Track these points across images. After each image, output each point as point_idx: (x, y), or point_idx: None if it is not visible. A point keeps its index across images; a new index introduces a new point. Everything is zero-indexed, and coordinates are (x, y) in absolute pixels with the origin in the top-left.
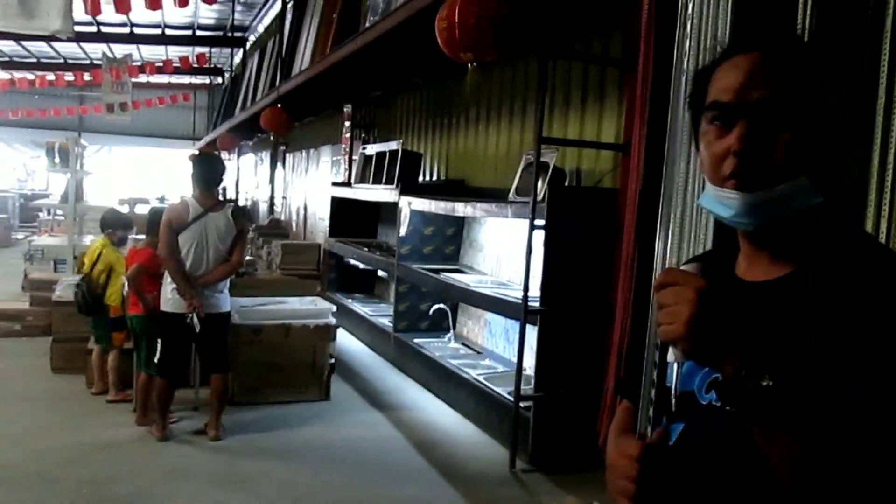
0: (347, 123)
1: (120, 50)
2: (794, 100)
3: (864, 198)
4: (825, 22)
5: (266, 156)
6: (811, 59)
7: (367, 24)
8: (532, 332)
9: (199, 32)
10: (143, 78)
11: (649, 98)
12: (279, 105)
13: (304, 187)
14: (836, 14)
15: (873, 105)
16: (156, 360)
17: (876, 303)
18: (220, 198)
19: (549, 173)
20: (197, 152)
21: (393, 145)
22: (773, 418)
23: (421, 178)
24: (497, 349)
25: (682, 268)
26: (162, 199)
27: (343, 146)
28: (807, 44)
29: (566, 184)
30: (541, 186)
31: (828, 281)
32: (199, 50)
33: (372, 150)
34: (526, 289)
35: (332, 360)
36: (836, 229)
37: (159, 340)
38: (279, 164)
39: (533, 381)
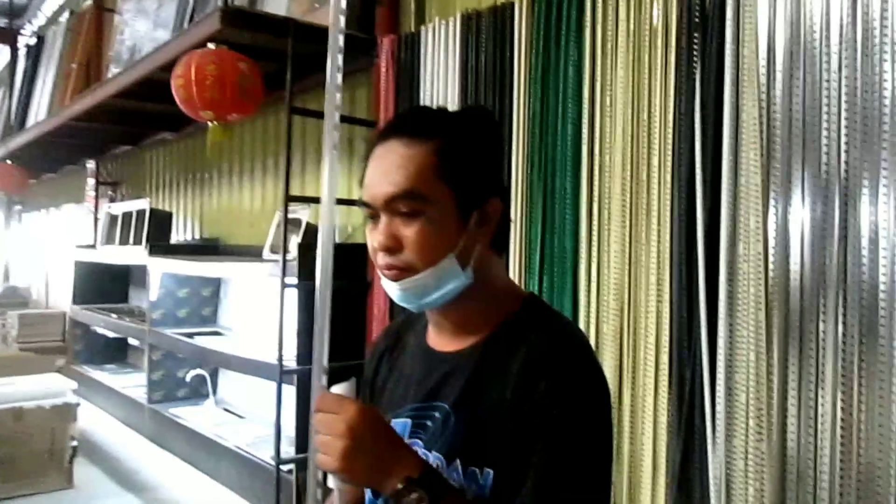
0: (91, 181)
1: None
2: (417, 190)
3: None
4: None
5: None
6: (455, 139)
7: (109, 76)
8: (291, 393)
9: None
10: None
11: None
12: (10, 161)
13: (46, 250)
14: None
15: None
16: None
17: (536, 383)
18: None
19: (302, 230)
20: None
21: (141, 204)
22: None
23: (174, 238)
24: (260, 412)
25: (336, 390)
26: None
27: (88, 205)
28: (455, 121)
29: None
30: (292, 244)
31: (504, 353)
32: None
33: (118, 209)
34: (280, 348)
35: (75, 443)
36: (513, 299)
37: None
38: (15, 226)
39: (294, 443)
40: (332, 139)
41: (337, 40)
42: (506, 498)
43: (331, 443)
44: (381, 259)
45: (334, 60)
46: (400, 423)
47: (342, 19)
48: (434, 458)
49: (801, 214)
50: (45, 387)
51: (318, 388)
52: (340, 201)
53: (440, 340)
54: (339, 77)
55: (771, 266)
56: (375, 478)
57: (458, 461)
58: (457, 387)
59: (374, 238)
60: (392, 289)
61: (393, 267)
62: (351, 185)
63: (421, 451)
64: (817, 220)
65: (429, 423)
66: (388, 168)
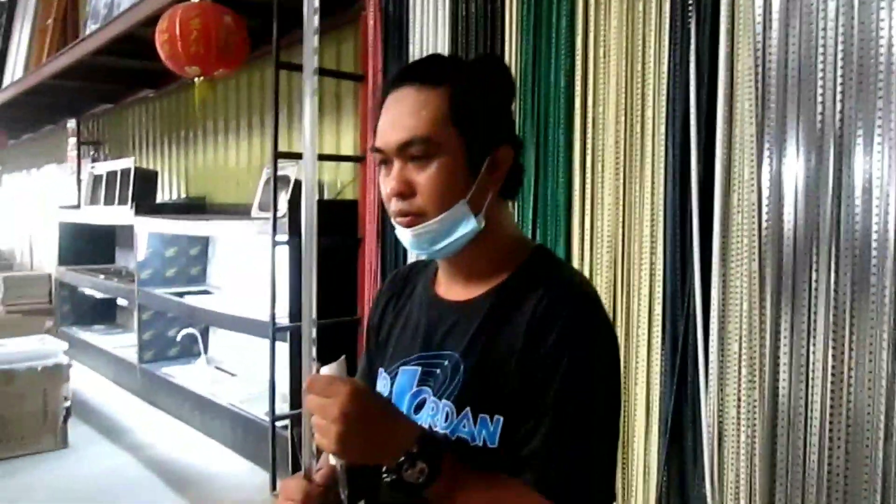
0: (73, 140)
1: None
2: (429, 135)
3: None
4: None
5: None
6: (467, 85)
7: (87, 32)
8: (284, 350)
9: None
10: None
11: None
12: None
13: (28, 212)
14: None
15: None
16: None
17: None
18: None
19: (291, 187)
20: None
21: (126, 163)
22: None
23: (160, 197)
24: (252, 370)
25: (326, 370)
26: None
27: (70, 165)
28: (467, 69)
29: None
30: (282, 201)
31: (513, 303)
32: None
33: (102, 168)
34: (273, 306)
35: (68, 404)
36: (522, 249)
37: None
38: None
39: (288, 400)
40: (311, 84)
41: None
42: (515, 445)
43: (325, 426)
44: (393, 205)
45: (311, 5)
46: (409, 371)
47: None
48: (444, 405)
49: (795, 165)
50: (36, 348)
51: (308, 341)
52: (329, 157)
53: (449, 289)
54: (316, 20)
55: (765, 217)
56: (373, 456)
57: (467, 408)
58: (466, 336)
59: (386, 184)
60: (405, 235)
61: (405, 213)
62: (340, 140)
63: (430, 399)
64: (811, 170)
65: (438, 371)
66: (400, 114)
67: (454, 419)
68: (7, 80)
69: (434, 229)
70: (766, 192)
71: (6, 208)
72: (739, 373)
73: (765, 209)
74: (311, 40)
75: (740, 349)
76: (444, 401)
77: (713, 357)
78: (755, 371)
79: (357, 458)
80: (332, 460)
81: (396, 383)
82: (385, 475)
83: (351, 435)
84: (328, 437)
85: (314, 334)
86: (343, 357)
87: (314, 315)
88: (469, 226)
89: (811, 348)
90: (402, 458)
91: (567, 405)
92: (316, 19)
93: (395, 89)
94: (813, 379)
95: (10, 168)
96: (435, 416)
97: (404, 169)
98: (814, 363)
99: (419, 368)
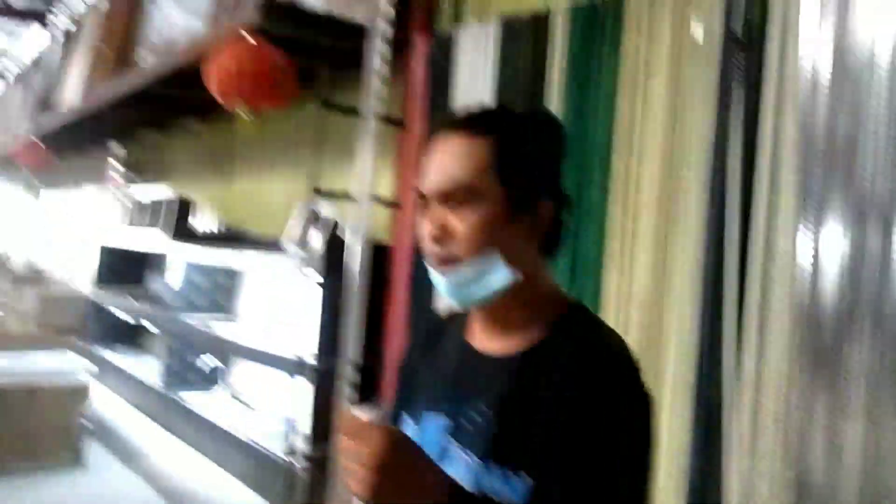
0: (116, 164)
1: None
2: (469, 183)
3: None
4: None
5: (24, 194)
6: (513, 136)
7: (141, 62)
8: (306, 387)
9: None
10: None
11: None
12: (39, 140)
13: (68, 231)
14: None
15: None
16: None
17: (581, 397)
18: None
19: (325, 225)
20: None
21: (165, 190)
22: None
23: (195, 225)
24: (271, 403)
25: (360, 413)
26: None
27: (111, 188)
28: (516, 121)
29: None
30: (316, 239)
31: (548, 365)
32: None
33: (142, 193)
34: (299, 342)
35: (87, 423)
36: (559, 305)
37: None
38: (38, 205)
39: (307, 438)
40: (370, 135)
41: (378, 44)
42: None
43: (358, 473)
44: (430, 249)
45: (373, 62)
46: (436, 420)
47: (384, 25)
48: (469, 458)
49: (836, 238)
50: (60, 365)
51: (346, 386)
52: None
53: (482, 340)
54: (380, 83)
55: (802, 289)
56: (404, 501)
57: (493, 464)
58: (497, 389)
59: (425, 228)
60: (438, 280)
61: (440, 257)
62: (376, 184)
63: (457, 451)
64: (853, 244)
65: (465, 423)
66: (445, 160)
67: (480, 473)
68: (61, 102)
69: (467, 276)
70: (804, 265)
71: (47, 226)
72: (771, 448)
73: (803, 281)
74: (373, 100)
75: (772, 423)
76: (470, 454)
77: (745, 431)
78: (788, 448)
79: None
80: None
81: (423, 431)
82: None
83: (384, 483)
84: (361, 483)
85: (354, 376)
86: (378, 400)
87: (356, 357)
88: (503, 276)
89: (846, 428)
90: None
91: (597, 470)
92: (376, 60)
93: (443, 136)
94: (847, 460)
95: (54, 187)
96: (459, 468)
97: (444, 214)
98: (849, 444)
99: (447, 417)
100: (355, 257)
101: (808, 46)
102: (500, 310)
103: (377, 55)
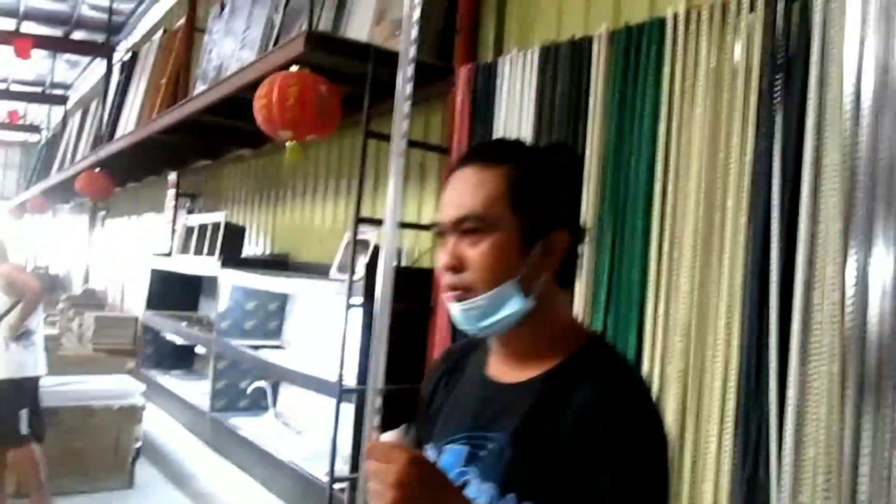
0: (172, 192)
1: None
2: (483, 213)
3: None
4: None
5: (84, 221)
6: (527, 167)
7: (195, 92)
8: (350, 411)
9: (13, 87)
10: None
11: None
12: (99, 169)
13: (124, 256)
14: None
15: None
16: None
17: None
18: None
19: (370, 251)
20: None
21: (217, 216)
22: None
23: (246, 251)
24: (318, 428)
25: (387, 437)
26: None
27: (167, 215)
28: (530, 151)
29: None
30: (360, 265)
31: (565, 392)
32: (12, 105)
33: (195, 220)
34: (341, 367)
35: (139, 444)
36: (576, 336)
37: None
38: (98, 231)
39: (349, 462)
40: (398, 163)
41: (407, 70)
42: None
43: (382, 492)
44: (446, 279)
45: (404, 89)
46: (455, 449)
47: (413, 49)
48: (488, 487)
49: (882, 264)
50: (115, 387)
51: (372, 411)
52: (408, 225)
53: (500, 370)
54: (408, 106)
55: (848, 316)
56: None
57: (511, 494)
58: (514, 420)
59: (441, 258)
60: (454, 310)
61: (455, 287)
62: (421, 209)
63: (475, 480)
64: None
65: (484, 452)
66: (460, 191)
67: (497, 501)
68: (120, 132)
69: (481, 305)
70: (850, 292)
71: (106, 251)
72: (815, 480)
73: (848, 309)
74: (402, 124)
75: (816, 455)
76: (488, 483)
77: (787, 461)
78: (832, 480)
79: None
80: None
81: (443, 460)
82: None
83: (405, 502)
84: (383, 502)
85: (379, 403)
86: (404, 425)
87: (380, 384)
88: (516, 305)
89: (894, 458)
90: None
91: (620, 500)
92: (409, 86)
93: (459, 168)
94: (894, 492)
95: (114, 214)
96: (478, 497)
97: (458, 244)
98: None
99: (466, 448)
100: (383, 282)
101: (850, 69)
102: (517, 339)
103: (406, 81)
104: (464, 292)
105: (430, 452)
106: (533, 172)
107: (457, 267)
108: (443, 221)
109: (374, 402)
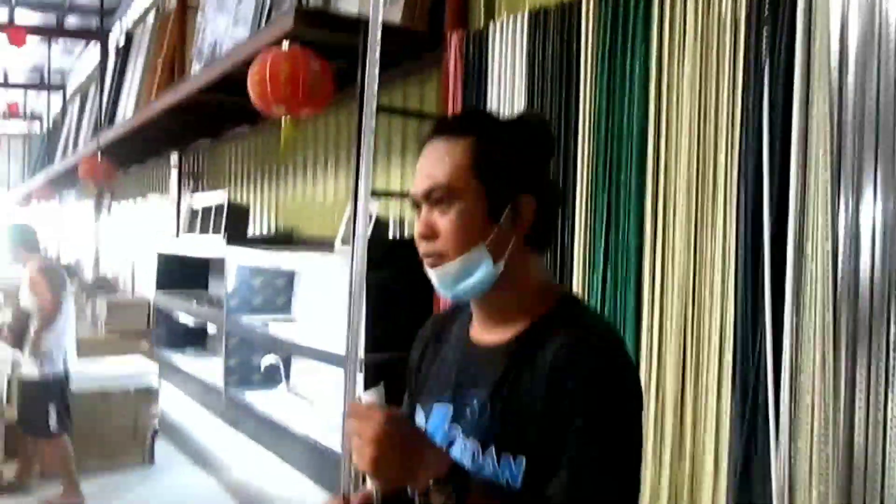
0: (175, 172)
1: None
2: (450, 183)
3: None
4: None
5: (90, 206)
6: (491, 137)
7: (192, 72)
8: (360, 380)
9: (12, 80)
10: None
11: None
12: (101, 154)
13: (132, 239)
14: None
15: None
16: None
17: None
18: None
19: (372, 223)
20: None
21: (220, 196)
22: None
23: (250, 229)
24: (330, 399)
25: (366, 396)
26: None
27: (170, 196)
28: (494, 122)
29: (390, 234)
30: None
31: (536, 350)
32: (12, 98)
33: (199, 200)
34: (349, 338)
35: (157, 423)
36: (549, 296)
37: None
38: (105, 215)
39: None
40: (369, 134)
41: (376, 34)
42: (537, 486)
43: (361, 448)
44: (421, 247)
45: (373, 53)
46: (441, 409)
47: (380, 12)
48: (471, 444)
49: (872, 213)
50: (131, 369)
51: (353, 378)
52: (407, 195)
53: (480, 333)
54: (377, 71)
55: (840, 266)
56: (403, 479)
57: (492, 448)
58: (492, 378)
59: (416, 227)
60: (431, 275)
61: (429, 254)
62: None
63: (460, 437)
64: (889, 218)
65: (467, 410)
66: (428, 163)
67: (479, 458)
68: (120, 116)
69: (453, 270)
70: (841, 241)
71: (114, 236)
72: (812, 426)
73: (840, 258)
74: (372, 91)
75: (813, 401)
76: (471, 439)
77: (784, 409)
78: (829, 424)
79: (388, 479)
80: (370, 485)
81: (430, 420)
82: (415, 501)
83: (383, 456)
84: (362, 457)
85: (361, 370)
86: (381, 384)
87: (361, 354)
88: (487, 269)
89: (889, 402)
90: (430, 485)
91: (588, 449)
92: (376, 71)
93: (429, 140)
94: (890, 434)
95: (119, 197)
96: (463, 453)
97: (430, 214)
98: (891, 418)
99: (451, 407)
100: (359, 251)
101: (836, 19)
102: (492, 303)
103: (375, 48)
104: (437, 258)
105: (420, 413)
106: (496, 142)
107: (430, 235)
108: (415, 192)
109: (356, 367)
